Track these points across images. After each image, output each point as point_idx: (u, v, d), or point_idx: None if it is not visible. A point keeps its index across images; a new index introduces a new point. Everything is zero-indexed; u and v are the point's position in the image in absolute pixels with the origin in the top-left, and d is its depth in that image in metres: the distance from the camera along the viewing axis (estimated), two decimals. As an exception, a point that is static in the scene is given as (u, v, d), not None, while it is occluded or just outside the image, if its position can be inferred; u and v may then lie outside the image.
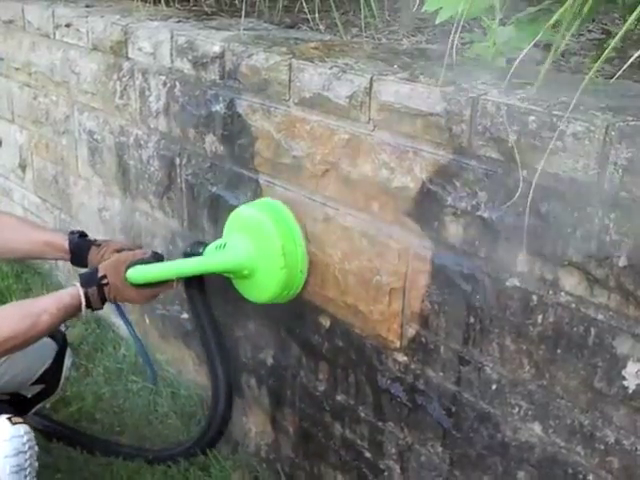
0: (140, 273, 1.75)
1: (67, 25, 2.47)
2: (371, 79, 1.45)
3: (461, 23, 1.37)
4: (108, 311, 2.67)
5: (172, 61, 2.01)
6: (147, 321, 2.45)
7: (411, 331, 1.52)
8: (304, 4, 2.08)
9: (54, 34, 2.57)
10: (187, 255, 1.90)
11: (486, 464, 1.43)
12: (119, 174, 2.39)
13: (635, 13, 1.13)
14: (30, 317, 1.69)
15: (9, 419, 1.70)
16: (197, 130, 1.97)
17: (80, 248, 1.95)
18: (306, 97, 1.60)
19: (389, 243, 1.51)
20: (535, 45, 1.35)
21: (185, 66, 1.97)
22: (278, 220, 1.70)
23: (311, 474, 1.91)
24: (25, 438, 1.69)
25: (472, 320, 1.38)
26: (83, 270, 1.84)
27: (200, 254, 1.86)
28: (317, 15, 2.07)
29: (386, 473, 1.67)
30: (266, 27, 2.09)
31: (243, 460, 2.08)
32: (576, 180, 1.16)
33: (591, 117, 1.14)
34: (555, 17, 1.19)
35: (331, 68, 1.54)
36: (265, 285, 1.73)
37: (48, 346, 2.00)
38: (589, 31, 1.92)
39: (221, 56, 1.83)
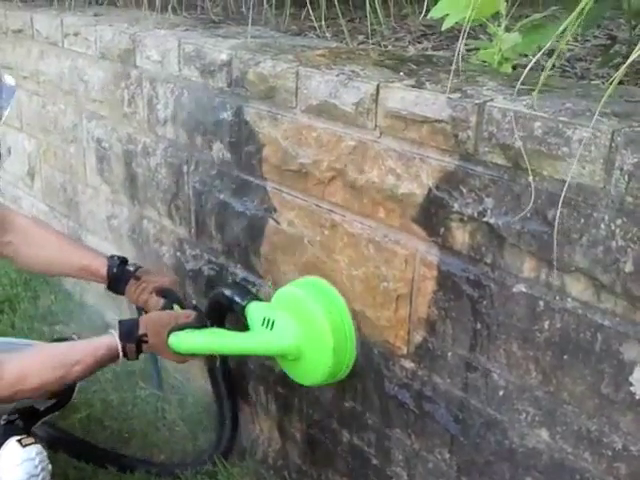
0: (183, 343, 1.71)
1: (75, 34, 2.49)
2: (377, 86, 1.46)
3: (467, 30, 1.38)
4: (116, 317, 2.68)
5: (180, 69, 2.02)
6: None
7: (418, 337, 1.52)
8: (311, 12, 2.09)
9: (62, 43, 2.58)
10: (227, 300, 1.86)
11: (493, 470, 1.42)
12: (127, 182, 2.41)
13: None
14: (63, 368, 1.66)
15: (19, 441, 1.67)
16: (204, 137, 1.98)
17: (118, 278, 1.93)
18: (313, 104, 1.61)
19: (396, 249, 1.51)
20: (540, 51, 1.35)
21: (193, 74, 1.98)
22: (331, 312, 1.64)
23: (319, 481, 1.91)
24: (37, 460, 1.66)
25: (479, 326, 1.39)
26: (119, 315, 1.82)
27: (241, 306, 1.81)
28: (324, 22, 2.08)
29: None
30: (273, 35, 2.11)
31: (251, 467, 2.08)
32: (582, 186, 1.16)
33: (597, 123, 1.14)
34: (563, 26, 1.19)
35: (338, 75, 1.55)
36: (310, 373, 1.70)
37: None
38: (595, 37, 1.92)
39: (228, 64, 1.84)
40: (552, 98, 1.30)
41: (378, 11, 2.01)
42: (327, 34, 2.08)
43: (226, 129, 1.89)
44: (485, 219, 1.32)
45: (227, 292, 1.89)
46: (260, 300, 1.84)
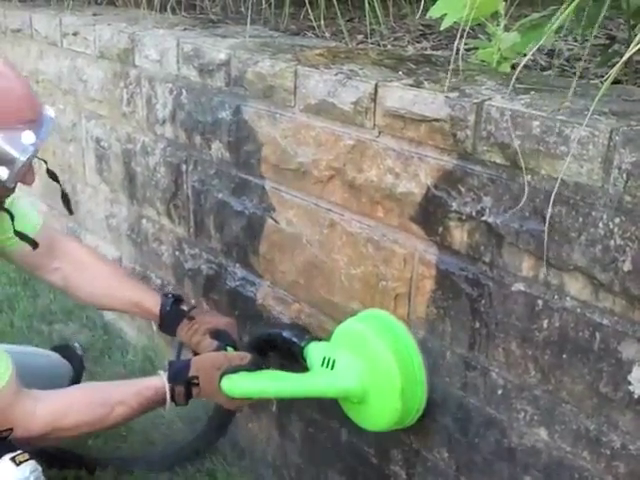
0: (236, 387, 1.60)
1: (74, 33, 2.49)
2: (376, 85, 1.46)
3: (466, 29, 1.38)
4: (116, 317, 2.68)
5: (178, 68, 2.02)
6: (154, 327, 2.45)
7: (417, 336, 1.52)
8: (309, 11, 2.09)
9: (61, 42, 2.58)
10: (285, 341, 1.72)
11: (492, 469, 1.42)
12: (126, 181, 2.41)
13: None
14: (104, 407, 1.59)
15: (13, 459, 1.56)
16: (203, 137, 1.98)
17: (171, 318, 1.85)
18: (311, 103, 1.61)
19: (394, 248, 1.51)
20: (539, 51, 1.35)
21: (191, 73, 1.98)
22: (400, 351, 1.48)
23: (317, 480, 1.91)
24: (32, 478, 1.56)
25: (478, 325, 1.39)
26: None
27: (299, 347, 1.68)
28: (322, 22, 2.09)
29: (392, 479, 1.67)
30: (272, 34, 2.11)
31: (249, 466, 2.08)
32: (580, 185, 1.16)
33: (595, 122, 1.14)
34: (557, 23, 1.19)
35: (336, 74, 1.55)
36: (376, 417, 1.55)
37: (64, 370, 1.95)
38: (595, 36, 1.92)
39: (227, 63, 1.84)
40: (551, 97, 1.30)
41: (377, 11, 2.01)
42: (326, 33, 2.08)
43: (225, 128, 1.89)
44: (483, 218, 1.32)
45: (285, 334, 1.75)
46: (319, 340, 1.71)
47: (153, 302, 1.87)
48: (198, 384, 1.61)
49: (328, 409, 1.80)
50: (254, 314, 1.95)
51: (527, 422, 1.34)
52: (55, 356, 2.02)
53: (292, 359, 1.72)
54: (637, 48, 1.09)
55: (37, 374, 1.70)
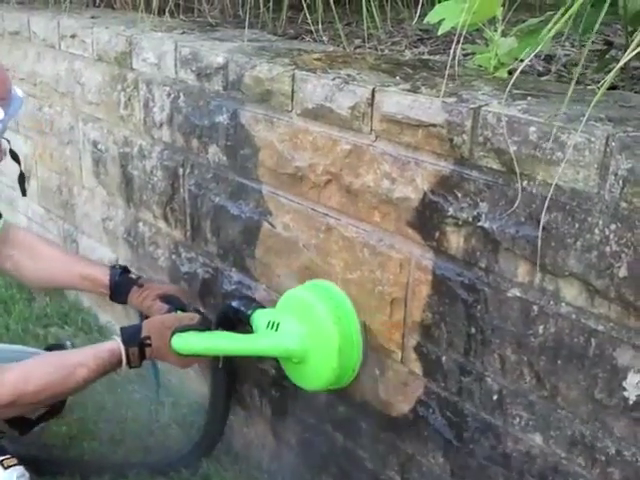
0: (186, 344, 1.70)
1: (72, 36, 2.49)
2: (373, 90, 1.46)
3: (463, 34, 1.38)
4: (111, 319, 2.68)
5: (176, 72, 2.02)
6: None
7: (412, 341, 1.52)
8: (307, 15, 2.09)
9: (59, 45, 2.58)
10: (233, 311, 1.84)
11: (487, 475, 1.42)
12: (123, 184, 2.40)
13: None
14: (64, 369, 1.65)
15: (1, 463, 1.63)
16: (200, 140, 1.98)
17: (121, 286, 1.93)
18: (309, 108, 1.61)
19: (390, 253, 1.51)
20: (536, 56, 1.36)
21: (189, 77, 1.98)
22: (340, 317, 1.61)
23: (313, 485, 1.91)
24: None
25: (473, 330, 1.39)
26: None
27: (246, 315, 1.79)
28: (320, 26, 2.09)
29: (387, 484, 1.67)
30: (269, 38, 2.11)
31: (244, 471, 2.08)
32: (576, 191, 1.16)
33: (591, 128, 1.14)
34: (554, 29, 1.19)
35: (334, 79, 1.55)
36: (312, 378, 1.67)
37: None
38: (592, 42, 1.92)
39: (225, 67, 1.84)
40: (547, 103, 1.30)
41: (375, 15, 2.02)
42: (324, 38, 2.08)
43: (222, 132, 1.89)
44: (480, 223, 1.32)
45: (234, 304, 1.86)
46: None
47: (102, 273, 1.95)
48: (151, 344, 1.69)
49: (324, 414, 1.80)
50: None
51: (522, 428, 1.34)
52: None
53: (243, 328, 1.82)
54: (634, 54, 1.10)
55: None
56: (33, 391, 1.61)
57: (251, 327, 1.77)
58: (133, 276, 1.96)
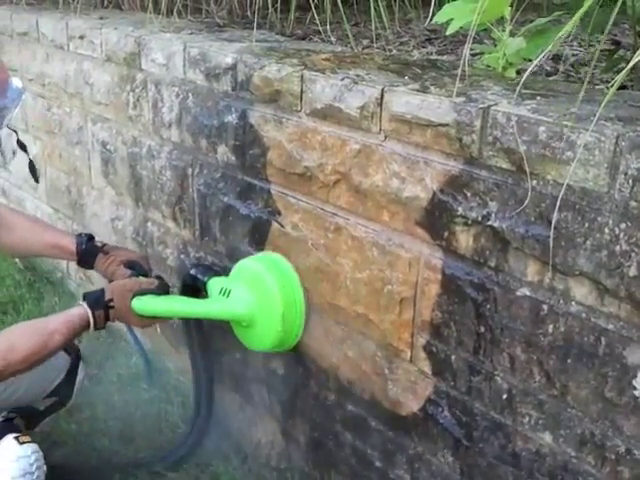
0: (145, 306, 1.81)
1: (81, 37, 2.50)
2: (382, 90, 1.47)
3: (471, 34, 1.39)
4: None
5: (185, 72, 2.03)
6: (158, 330, 2.46)
7: (422, 341, 1.52)
8: (315, 16, 2.10)
9: (68, 46, 2.59)
10: (191, 278, 2.01)
11: (497, 474, 1.43)
12: (132, 184, 2.41)
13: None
14: (44, 336, 1.73)
15: (16, 438, 1.73)
16: (209, 140, 1.99)
17: (87, 253, 2.04)
18: (318, 108, 1.62)
19: (400, 253, 1.52)
20: (544, 56, 1.36)
21: (198, 77, 1.99)
22: (285, 285, 1.77)
23: (321, 484, 1.91)
24: (33, 458, 1.71)
25: (482, 329, 1.39)
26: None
27: (202, 282, 1.95)
28: (328, 27, 2.09)
29: (396, 483, 1.67)
30: (278, 39, 2.11)
31: (253, 470, 2.09)
32: (586, 190, 1.17)
33: (601, 127, 1.14)
34: (565, 29, 1.19)
35: (342, 79, 1.56)
36: (259, 339, 1.85)
37: (62, 360, 2.02)
38: (600, 42, 1.92)
39: (233, 67, 1.85)
40: (556, 103, 1.30)
41: (383, 15, 2.02)
42: (332, 38, 2.09)
43: (231, 132, 1.90)
44: (489, 223, 1.33)
45: (192, 271, 2.03)
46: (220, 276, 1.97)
47: (69, 241, 2.06)
48: (114, 306, 1.79)
49: (333, 413, 1.81)
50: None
51: (532, 427, 1.34)
52: None
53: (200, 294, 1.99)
54: (643, 54, 1.10)
55: None
56: (20, 359, 1.69)
57: (207, 293, 1.94)
58: (98, 244, 2.06)
